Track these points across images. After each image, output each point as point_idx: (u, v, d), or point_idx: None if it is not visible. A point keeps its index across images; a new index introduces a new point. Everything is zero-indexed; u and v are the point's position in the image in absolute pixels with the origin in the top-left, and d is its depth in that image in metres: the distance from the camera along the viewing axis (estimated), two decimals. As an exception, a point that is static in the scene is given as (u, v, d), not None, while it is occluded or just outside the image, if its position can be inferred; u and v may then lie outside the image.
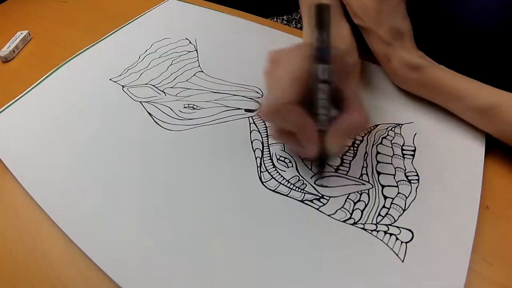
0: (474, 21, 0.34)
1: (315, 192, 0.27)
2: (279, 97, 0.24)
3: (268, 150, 0.30)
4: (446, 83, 0.29)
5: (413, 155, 0.28)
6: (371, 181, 0.27)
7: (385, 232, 0.24)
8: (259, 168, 0.28)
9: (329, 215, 0.25)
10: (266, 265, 0.23)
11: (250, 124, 0.32)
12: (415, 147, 0.29)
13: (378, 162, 0.28)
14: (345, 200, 0.26)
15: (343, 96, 0.25)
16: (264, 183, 0.27)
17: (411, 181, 0.27)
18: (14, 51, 0.44)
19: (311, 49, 0.24)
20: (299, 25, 0.57)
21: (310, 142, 0.24)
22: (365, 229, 0.24)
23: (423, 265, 0.22)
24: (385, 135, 0.30)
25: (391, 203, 0.26)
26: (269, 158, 0.29)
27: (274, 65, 0.26)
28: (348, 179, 0.27)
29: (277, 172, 0.28)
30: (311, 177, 0.28)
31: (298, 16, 0.58)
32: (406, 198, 0.26)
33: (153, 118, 0.33)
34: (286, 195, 0.27)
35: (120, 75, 0.38)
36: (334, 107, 0.25)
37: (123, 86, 0.37)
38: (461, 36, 0.34)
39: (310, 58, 0.24)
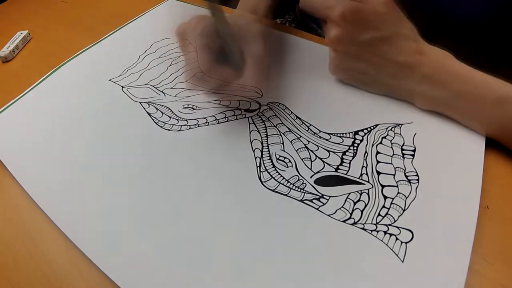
0: (463, 14, 0.34)
1: (315, 192, 0.27)
2: (203, 62, 0.28)
3: (267, 150, 0.30)
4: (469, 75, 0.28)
5: (413, 155, 0.28)
6: (371, 181, 0.27)
7: (385, 232, 0.24)
8: (258, 168, 0.28)
9: (328, 215, 0.25)
10: (266, 265, 0.23)
11: (249, 124, 0.32)
12: (415, 147, 0.29)
13: (378, 162, 0.28)
14: (345, 200, 0.26)
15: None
16: (264, 183, 0.27)
17: (411, 181, 0.27)
18: (14, 51, 0.44)
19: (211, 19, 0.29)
20: (293, 25, 0.57)
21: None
22: (365, 229, 0.24)
23: (423, 265, 0.22)
24: (385, 135, 0.30)
25: (391, 203, 0.26)
26: (268, 158, 0.29)
27: (182, 39, 0.30)
28: (348, 178, 0.27)
29: (277, 172, 0.28)
30: (310, 177, 0.28)
31: (291, 18, 0.58)
32: (406, 198, 0.26)
33: (152, 119, 0.33)
34: (286, 195, 0.27)
35: (119, 76, 0.38)
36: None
37: (122, 87, 0.37)
38: (452, 29, 0.34)
39: (211, 24, 0.29)
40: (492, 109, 0.27)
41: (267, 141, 0.30)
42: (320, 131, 0.31)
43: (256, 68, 0.30)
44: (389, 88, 0.32)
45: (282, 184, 0.27)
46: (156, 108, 0.34)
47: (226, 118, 0.33)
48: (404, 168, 0.28)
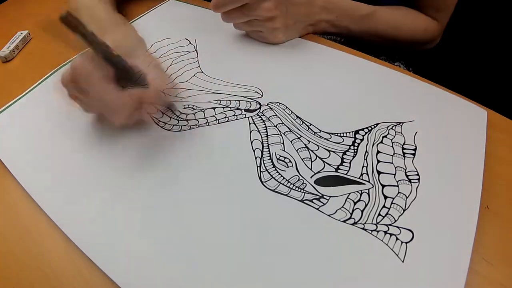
0: None
1: (315, 192, 0.27)
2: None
3: (268, 150, 0.30)
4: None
5: (413, 154, 0.28)
6: (371, 181, 0.27)
7: (385, 232, 0.24)
8: (259, 168, 0.28)
9: (329, 215, 0.25)
10: (266, 265, 0.23)
11: (250, 124, 0.32)
12: (415, 146, 0.29)
13: (378, 161, 0.28)
14: (345, 200, 0.26)
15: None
16: (264, 183, 0.27)
17: (412, 181, 0.27)
18: (14, 51, 0.44)
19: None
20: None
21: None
22: (365, 229, 0.24)
23: (423, 265, 0.22)
24: (385, 134, 0.30)
25: (392, 203, 0.26)
26: (268, 158, 0.29)
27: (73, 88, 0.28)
28: (348, 178, 0.27)
29: (277, 172, 0.28)
30: (311, 177, 0.28)
31: None
32: (407, 197, 0.26)
33: (153, 119, 0.33)
34: (286, 195, 0.27)
35: (120, 75, 0.38)
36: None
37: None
38: None
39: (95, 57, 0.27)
40: (360, 22, 0.42)
41: (267, 141, 0.30)
42: (320, 130, 0.31)
43: (158, 72, 0.31)
44: (310, 25, 0.41)
45: (283, 184, 0.27)
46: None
47: (227, 118, 0.33)
48: (404, 168, 0.28)
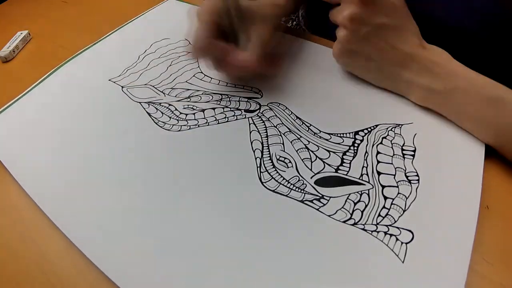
0: (453, 21, 0.35)
1: (315, 193, 0.27)
2: (199, 36, 0.31)
3: (268, 150, 0.30)
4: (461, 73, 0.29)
5: (413, 155, 0.28)
6: (371, 181, 0.27)
7: (385, 233, 0.24)
8: (258, 168, 0.28)
9: (329, 216, 0.25)
10: (266, 265, 0.23)
11: (249, 124, 0.32)
12: (415, 147, 0.29)
13: (378, 162, 0.28)
14: (345, 201, 0.26)
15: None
16: (264, 184, 0.27)
17: (411, 182, 0.27)
18: (14, 51, 0.44)
19: None
20: (294, 24, 0.57)
21: (227, 67, 0.33)
22: (365, 230, 0.24)
23: (423, 266, 0.22)
24: (385, 135, 0.30)
25: (391, 204, 0.26)
26: (268, 158, 0.29)
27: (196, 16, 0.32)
28: (348, 179, 0.27)
29: (277, 172, 0.28)
30: (311, 177, 0.28)
31: (295, 16, 0.58)
32: (406, 198, 0.26)
33: (152, 119, 0.33)
34: (286, 196, 0.27)
35: (119, 76, 0.38)
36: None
37: (122, 87, 0.37)
38: (440, 36, 0.35)
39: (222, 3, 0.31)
40: (484, 108, 0.28)
41: (267, 142, 0.30)
42: (320, 131, 0.31)
43: (256, 48, 0.31)
44: (389, 78, 0.33)
45: (283, 184, 0.27)
46: (156, 108, 0.34)
47: (226, 119, 0.33)
48: (404, 168, 0.28)
